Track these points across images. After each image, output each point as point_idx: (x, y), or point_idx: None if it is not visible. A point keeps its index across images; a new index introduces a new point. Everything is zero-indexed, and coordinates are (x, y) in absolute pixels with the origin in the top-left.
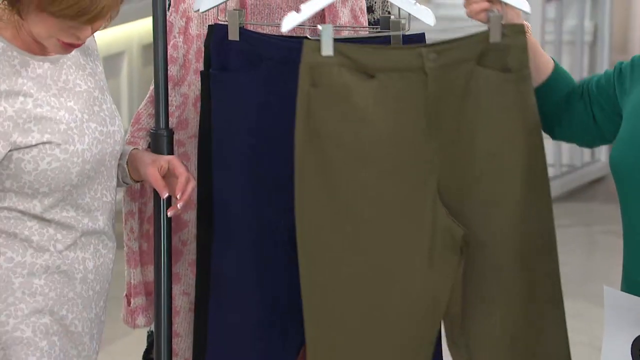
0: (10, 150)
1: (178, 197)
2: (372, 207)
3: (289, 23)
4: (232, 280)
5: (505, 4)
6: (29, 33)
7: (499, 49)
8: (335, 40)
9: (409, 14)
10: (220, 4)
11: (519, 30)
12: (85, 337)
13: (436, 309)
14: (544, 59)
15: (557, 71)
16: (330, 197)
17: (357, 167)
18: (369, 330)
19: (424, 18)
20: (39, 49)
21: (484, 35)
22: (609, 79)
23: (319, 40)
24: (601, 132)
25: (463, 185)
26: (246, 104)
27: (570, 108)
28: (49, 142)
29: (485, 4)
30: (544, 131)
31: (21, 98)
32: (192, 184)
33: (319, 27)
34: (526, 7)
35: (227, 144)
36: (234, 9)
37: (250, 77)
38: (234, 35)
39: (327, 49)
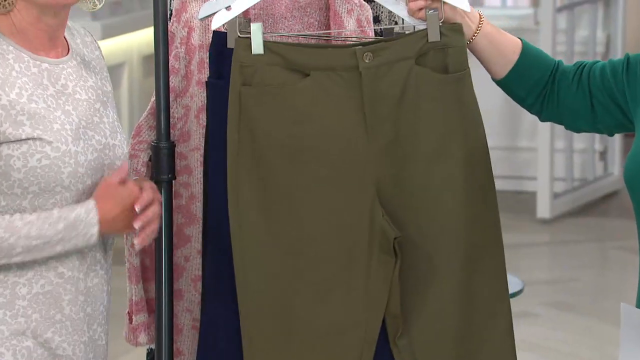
0: (0, 144)
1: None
2: (308, 208)
3: (218, 21)
4: (224, 288)
5: (444, 2)
6: (23, 21)
7: (437, 49)
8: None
9: (414, 26)
10: (216, 12)
11: (457, 30)
12: None
13: (375, 309)
14: (507, 43)
15: (527, 51)
16: (265, 198)
17: (292, 168)
18: (306, 331)
19: (461, 5)
20: (35, 48)
21: (423, 33)
22: (615, 71)
23: (250, 38)
24: (595, 121)
25: (402, 187)
26: None
27: (561, 91)
28: (40, 139)
29: (422, 3)
30: (531, 113)
31: (16, 90)
32: (154, 208)
33: (252, 25)
34: (465, 6)
35: (221, 152)
36: (240, 17)
37: None
38: (231, 43)
39: (258, 47)
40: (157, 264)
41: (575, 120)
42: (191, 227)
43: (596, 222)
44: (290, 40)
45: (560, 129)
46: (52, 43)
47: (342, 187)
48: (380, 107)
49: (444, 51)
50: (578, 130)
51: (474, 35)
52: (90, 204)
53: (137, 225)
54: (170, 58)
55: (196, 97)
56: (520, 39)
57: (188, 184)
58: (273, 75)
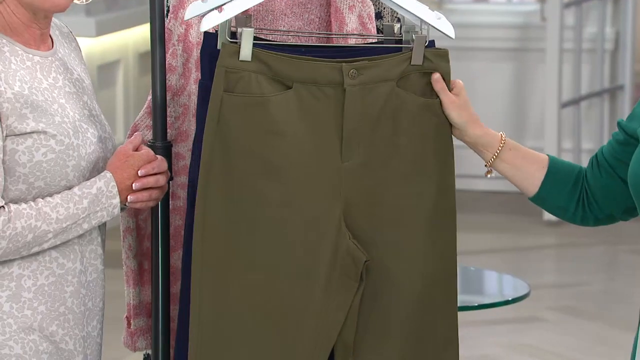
0: (5, 137)
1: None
2: (273, 223)
3: (207, 23)
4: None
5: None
6: (14, 17)
7: (419, 72)
8: (256, 45)
9: (420, 24)
10: (204, 14)
11: (442, 55)
12: (77, 356)
13: (328, 334)
14: (532, 161)
15: (553, 164)
16: (233, 207)
17: (263, 180)
18: (257, 348)
19: (446, 30)
20: (27, 41)
21: (407, 55)
22: (617, 138)
23: (237, 43)
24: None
25: (371, 211)
26: None
27: (594, 189)
28: (44, 132)
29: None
30: (581, 224)
31: (17, 83)
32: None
33: (240, 30)
34: (451, 33)
35: None
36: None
37: None
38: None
39: (246, 54)
40: (153, 267)
41: (620, 204)
42: None
43: (604, 225)
44: (290, 38)
45: (567, 128)
46: (43, 37)
47: (309, 205)
48: (359, 126)
49: (427, 76)
50: (630, 214)
51: (491, 160)
52: (107, 175)
53: (135, 186)
54: (167, 56)
55: (194, 96)
56: (548, 155)
57: (186, 184)
58: (257, 84)
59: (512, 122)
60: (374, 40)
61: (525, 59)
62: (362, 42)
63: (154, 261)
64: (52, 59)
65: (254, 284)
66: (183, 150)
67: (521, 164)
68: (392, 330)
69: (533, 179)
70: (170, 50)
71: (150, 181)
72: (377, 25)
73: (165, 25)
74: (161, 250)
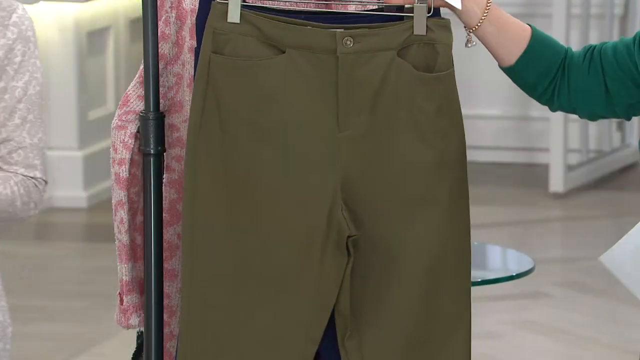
0: None
1: None
2: (266, 193)
3: None
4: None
5: None
6: None
7: (422, 43)
8: (245, 7)
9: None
10: None
11: (445, 26)
12: None
13: (322, 307)
14: (516, 29)
15: (537, 38)
16: (223, 175)
17: (256, 146)
18: (251, 318)
19: (452, 1)
20: None
21: (408, 25)
22: (628, 48)
23: (227, 4)
24: (610, 102)
25: (370, 184)
26: None
27: (572, 77)
28: None
29: None
30: (541, 103)
31: None
32: None
33: None
34: (457, 4)
35: None
36: None
37: None
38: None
39: (234, 16)
40: (146, 242)
41: (589, 106)
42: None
43: (613, 196)
44: (288, 4)
45: None
46: None
47: (304, 175)
48: (355, 96)
49: (429, 47)
50: (593, 116)
51: (479, 22)
52: None
53: None
54: (160, 23)
55: (188, 65)
56: (530, 25)
57: (181, 157)
58: (246, 46)
59: (517, 90)
60: (374, 7)
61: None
62: (363, 9)
63: (147, 236)
64: None
65: (247, 250)
66: (177, 121)
67: (508, 27)
68: (394, 307)
69: (513, 48)
70: (163, 18)
71: None
72: None
73: None
74: (154, 225)
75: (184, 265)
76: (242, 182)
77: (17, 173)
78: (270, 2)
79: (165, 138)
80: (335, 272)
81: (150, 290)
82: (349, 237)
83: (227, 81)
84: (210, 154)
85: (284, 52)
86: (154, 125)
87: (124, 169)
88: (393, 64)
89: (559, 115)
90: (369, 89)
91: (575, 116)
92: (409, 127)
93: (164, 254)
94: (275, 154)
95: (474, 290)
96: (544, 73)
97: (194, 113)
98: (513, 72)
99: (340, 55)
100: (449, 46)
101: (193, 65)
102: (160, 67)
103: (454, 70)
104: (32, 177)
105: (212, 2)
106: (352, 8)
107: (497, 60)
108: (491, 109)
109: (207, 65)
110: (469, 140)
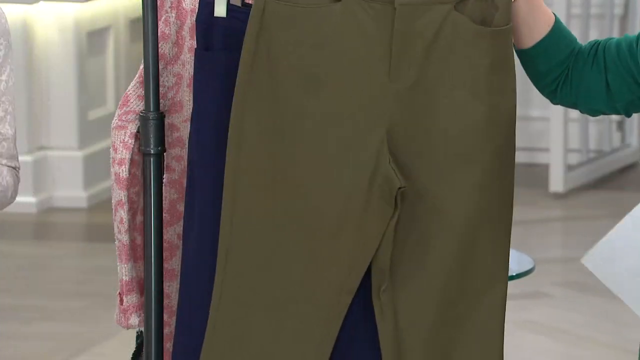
0: None
1: None
2: (313, 140)
3: None
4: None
5: None
6: None
7: None
8: None
9: None
10: None
11: None
12: None
13: (361, 258)
14: (543, 14)
15: (558, 27)
16: (271, 118)
17: (304, 94)
18: (287, 268)
19: None
20: None
21: None
22: (630, 46)
23: None
24: (611, 99)
25: (417, 135)
26: (227, 88)
27: (576, 71)
28: None
29: None
30: (544, 94)
31: None
32: None
33: None
34: None
35: (207, 135)
36: None
37: (233, 57)
38: (219, 11)
39: None
40: (146, 242)
41: (590, 101)
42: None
43: (613, 197)
44: None
45: None
46: None
47: (352, 124)
48: (409, 48)
49: (487, 1)
50: (593, 111)
51: None
52: None
53: None
54: (160, 23)
55: (188, 65)
56: (554, 14)
57: (181, 157)
58: None
59: (518, 89)
60: None
61: None
62: None
63: (147, 236)
64: None
65: (289, 196)
66: (177, 121)
67: (538, 10)
68: (432, 261)
69: (535, 33)
70: (163, 18)
71: None
72: None
73: None
74: (154, 225)
75: (223, 212)
76: (289, 129)
77: (1, 164)
78: None
79: (166, 138)
80: (378, 225)
81: (150, 290)
82: (399, 188)
83: (280, 29)
84: (257, 99)
85: (339, 1)
86: (154, 125)
87: (124, 169)
88: (449, 17)
89: (559, 115)
90: (424, 41)
91: (575, 116)
92: (461, 82)
93: (164, 254)
94: (324, 102)
95: None
96: (555, 64)
97: (245, 58)
98: (527, 55)
99: (398, 7)
100: (509, 1)
101: (193, 65)
102: (160, 67)
103: (512, 27)
104: (13, 167)
105: None
106: None
107: (515, 41)
108: None
109: (260, 13)
110: None
